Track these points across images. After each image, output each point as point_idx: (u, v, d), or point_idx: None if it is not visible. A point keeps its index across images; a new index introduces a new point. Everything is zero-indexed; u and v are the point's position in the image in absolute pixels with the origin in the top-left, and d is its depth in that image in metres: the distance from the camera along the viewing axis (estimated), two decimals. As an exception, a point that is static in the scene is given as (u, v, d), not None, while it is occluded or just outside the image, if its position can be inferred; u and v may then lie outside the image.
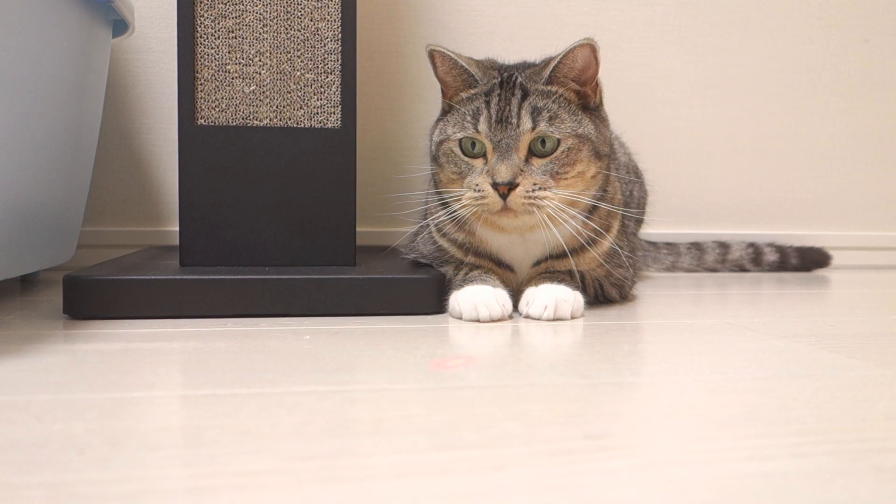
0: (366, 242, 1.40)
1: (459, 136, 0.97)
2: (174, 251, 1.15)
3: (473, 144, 0.96)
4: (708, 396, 0.62)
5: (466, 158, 0.97)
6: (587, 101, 0.99)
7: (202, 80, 1.02)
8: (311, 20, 1.03)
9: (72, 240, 1.21)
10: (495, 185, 0.92)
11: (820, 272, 1.63)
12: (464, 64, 0.99)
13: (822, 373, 0.69)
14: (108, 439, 0.48)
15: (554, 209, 0.92)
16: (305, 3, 1.03)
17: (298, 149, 1.03)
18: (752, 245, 1.60)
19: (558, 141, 0.93)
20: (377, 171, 1.49)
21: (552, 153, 0.93)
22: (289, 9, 1.03)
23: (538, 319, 0.94)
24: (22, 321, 0.89)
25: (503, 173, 0.92)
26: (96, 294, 0.90)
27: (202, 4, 1.01)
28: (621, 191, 1.14)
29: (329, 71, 1.04)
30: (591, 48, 0.95)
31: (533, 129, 0.93)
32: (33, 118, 0.97)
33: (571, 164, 0.94)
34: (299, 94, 1.04)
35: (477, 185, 0.94)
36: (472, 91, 0.99)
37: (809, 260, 1.62)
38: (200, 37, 1.01)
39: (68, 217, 1.18)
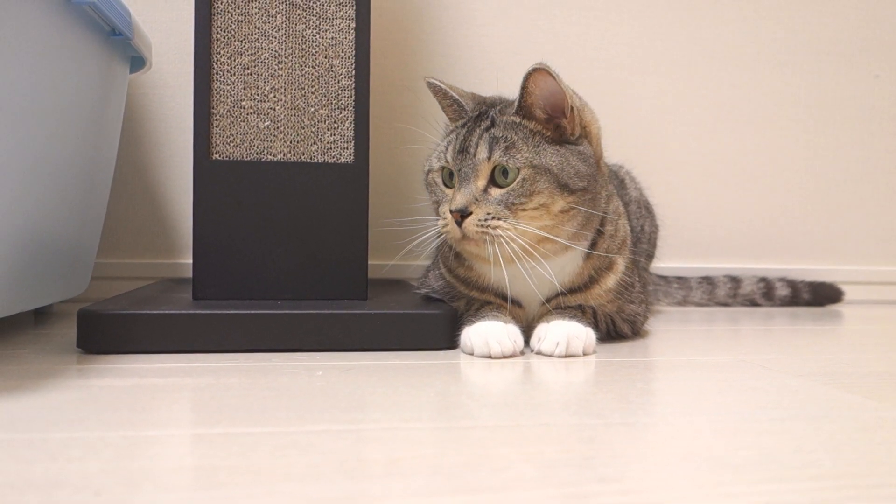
0: (378, 275, 1.41)
1: (436, 165, 1.00)
2: (187, 284, 1.16)
3: (451, 175, 0.97)
4: (723, 438, 0.61)
5: (444, 188, 0.99)
6: (564, 133, 0.97)
7: (217, 116, 1.03)
8: (326, 57, 1.05)
9: (86, 272, 1.22)
10: (452, 213, 0.93)
11: (833, 307, 1.62)
12: (455, 95, 1.03)
13: (838, 414, 0.69)
14: (124, 480, 0.48)
15: (507, 240, 0.91)
16: (320, 40, 1.04)
17: (312, 183, 1.04)
18: (763, 280, 1.60)
19: (518, 171, 0.93)
20: (390, 205, 1.49)
21: (511, 184, 0.93)
22: (303, 46, 1.04)
23: (550, 356, 0.93)
24: (36, 355, 0.89)
25: (457, 201, 0.93)
26: (110, 328, 0.90)
27: (219, 42, 1.03)
28: (630, 225, 1.13)
29: (342, 107, 1.05)
30: (545, 73, 0.92)
31: (489, 158, 0.93)
32: (51, 152, 0.98)
33: (528, 195, 0.92)
34: (313, 129, 1.05)
35: (443, 212, 0.96)
36: (458, 123, 1.02)
37: (822, 295, 1.61)
38: (216, 73, 1.03)
39: (83, 249, 1.19)
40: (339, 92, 1.05)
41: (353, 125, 1.05)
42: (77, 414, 0.64)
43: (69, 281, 1.15)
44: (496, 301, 1.02)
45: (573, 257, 0.99)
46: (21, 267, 0.93)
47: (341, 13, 1.05)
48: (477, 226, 0.92)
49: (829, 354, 1.02)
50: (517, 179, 0.92)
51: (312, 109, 1.05)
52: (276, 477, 0.49)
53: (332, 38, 1.05)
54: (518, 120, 0.96)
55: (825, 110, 1.73)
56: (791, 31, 1.70)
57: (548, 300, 1.01)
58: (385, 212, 1.48)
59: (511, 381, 0.82)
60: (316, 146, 1.05)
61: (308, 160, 1.05)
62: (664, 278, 1.55)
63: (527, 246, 0.92)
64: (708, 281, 1.58)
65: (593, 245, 1.01)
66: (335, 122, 1.05)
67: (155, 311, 0.92)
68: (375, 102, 1.43)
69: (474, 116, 0.99)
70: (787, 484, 0.50)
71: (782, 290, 1.60)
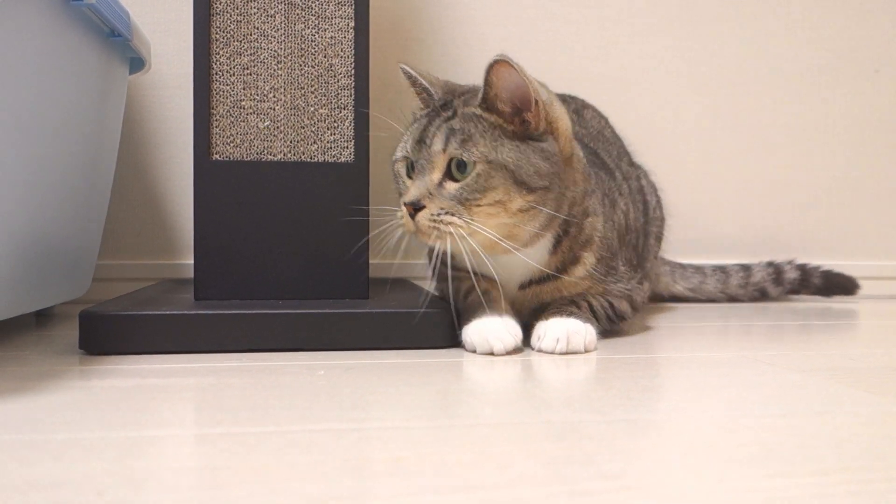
0: (378, 275, 1.40)
1: (399, 155, 0.98)
2: (188, 284, 1.15)
3: (413, 166, 0.95)
4: (726, 434, 0.61)
5: (406, 179, 0.96)
6: (529, 128, 0.93)
7: (217, 116, 1.03)
8: (325, 56, 1.05)
9: (87, 274, 1.22)
10: (405, 205, 0.91)
11: (845, 301, 1.58)
12: (424, 83, 1.00)
13: (841, 409, 0.69)
14: (127, 480, 0.48)
15: (458, 238, 0.89)
16: (319, 39, 1.04)
17: (312, 183, 1.04)
18: (771, 264, 1.56)
19: (474, 165, 0.90)
20: (390, 204, 1.49)
21: (466, 178, 0.90)
22: (303, 46, 1.04)
23: (551, 353, 0.93)
24: (38, 357, 0.89)
25: (411, 193, 0.91)
26: (112, 329, 0.90)
27: (218, 42, 1.03)
28: (645, 200, 1.09)
29: (342, 106, 1.05)
30: (507, 65, 0.89)
31: (444, 150, 0.91)
32: (51, 154, 0.98)
33: (482, 191, 0.89)
34: (313, 129, 1.05)
35: (401, 204, 0.94)
36: (423, 112, 1.00)
37: (834, 284, 1.55)
38: (216, 74, 1.03)
39: (84, 251, 1.19)
40: (339, 91, 1.05)
41: (352, 124, 1.05)
42: (80, 415, 0.64)
43: (71, 282, 1.15)
44: (482, 285, 0.99)
45: (538, 252, 0.97)
46: (22, 269, 0.93)
47: (340, 12, 1.05)
48: (429, 220, 0.90)
49: (832, 350, 1.02)
50: (472, 174, 0.90)
51: (312, 109, 1.05)
52: (279, 476, 0.49)
53: (332, 38, 1.05)
54: (479, 112, 0.93)
55: (826, 106, 1.72)
56: (791, 29, 1.70)
57: (522, 286, 1.01)
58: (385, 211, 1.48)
59: (512, 379, 0.82)
60: (316, 146, 1.05)
61: (308, 160, 1.05)
62: (680, 264, 1.53)
63: (476, 247, 0.90)
64: (722, 270, 1.55)
65: (558, 243, 0.98)
66: (335, 121, 1.05)
67: (157, 312, 0.92)
68: (375, 102, 1.43)
69: (439, 105, 0.97)
70: (790, 479, 0.50)
71: (791, 273, 1.55)
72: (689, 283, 1.52)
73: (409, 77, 1.02)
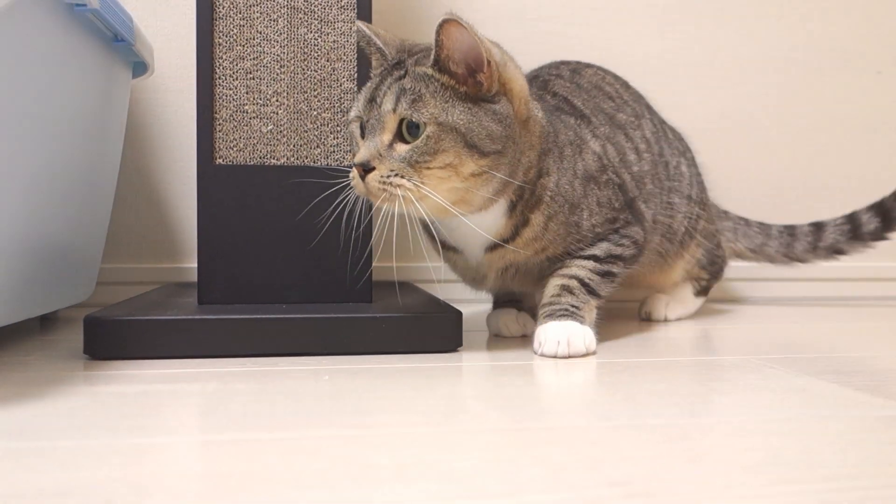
0: (381, 278, 1.40)
1: (352, 115, 0.95)
2: (192, 288, 1.16)
3: (365, 126, 0.92)
4: (731, 439, 0.61)
5: (359, 140, 0.93)
6: (481, 90, 0.90)
7: (220, 121, 1.03)
8: (328, 60, 1.05)
9: (91, 278, 1.22)
10: (355, 166, 0.89)
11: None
12: (379, 43, 0.96)
13: (845, 413, 0.69)
14: (134, 488, 0.48)
15: (406, 201, 0.87)
16: (322, 43, 1.05)
17: (315, 187, 1.04)
18: (849, 218, 1.45)
19: (424, 126, 0.87)
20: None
21: (416, 140, 0.87)
22: (305, 49, 1.04)
23: (554, 357, 0.93)
24: (43, 362, 0.89)
25: (361, 154, 0.89)
26: (117, 334, 0.90)
27: (221, 46, 1.03)
28: (576, 169, 1.03)
29: (345, 110, 1.05)
30: (457, 25, 0.86)
31: (394, 110, 0.88)
32: (54, 158, 0.98)
33: (432, 153, 0.86)
34: (316, 133, 1.05)
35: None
36: (376, 71, 0.97)
37: None
38: (219, 78, 1.03)
39: (88, 255, 1.19)
40: (342, 95, 1.05)
41: (355, 128, 1.05)
42: (86, 421, 0.64)
43: (74, 287, 1.15)
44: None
45: (492, 215, 0.96)
46: (26, 273, 0.93)
47: (343, 16, 1.05)
48: (378, 182, 0.87)
49: (839, 352, 1.02)
50: (422, 136, 0.87)
51: (315, 113, 1.05)
52: (286, 483, 0.49)
53: (334, 42, 1.05)
54: (431, 73, 0.89)
55: (829, 106, 1.72)
56: (791, 31, 1.70)
57: (487, 249, 1.00)
58: (388, 213, 1.48)
59: (516, 384, 0.82)
60: (319, 150, 1.05)
61: (311, 164, 1.05)
62: (745, 221, 1.49)
63: (427, 213, 0.90)
64: (789, 231, 1.48)
65: (513, 206, 0.97)
66: (338, 125, 1.05)
67: (161, 317, 0.92)
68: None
69: (392, 65, 0.93)
70: (795, 485, 0.50)
71: (870, 225, 1.42)
72: (750, 243, 1.46)
73: (364, 37, 0.98)
